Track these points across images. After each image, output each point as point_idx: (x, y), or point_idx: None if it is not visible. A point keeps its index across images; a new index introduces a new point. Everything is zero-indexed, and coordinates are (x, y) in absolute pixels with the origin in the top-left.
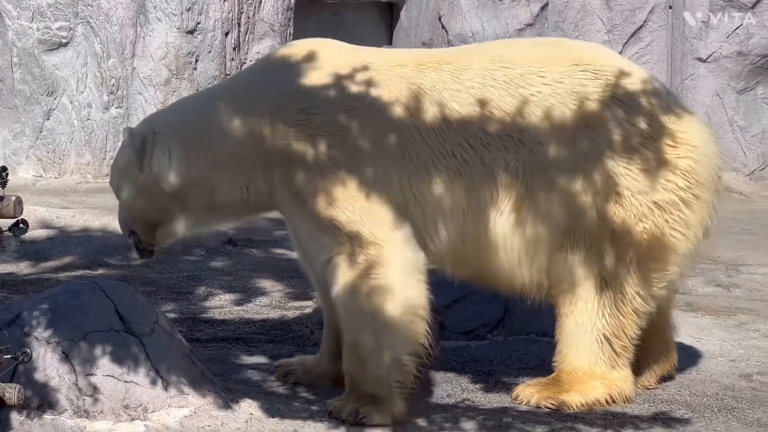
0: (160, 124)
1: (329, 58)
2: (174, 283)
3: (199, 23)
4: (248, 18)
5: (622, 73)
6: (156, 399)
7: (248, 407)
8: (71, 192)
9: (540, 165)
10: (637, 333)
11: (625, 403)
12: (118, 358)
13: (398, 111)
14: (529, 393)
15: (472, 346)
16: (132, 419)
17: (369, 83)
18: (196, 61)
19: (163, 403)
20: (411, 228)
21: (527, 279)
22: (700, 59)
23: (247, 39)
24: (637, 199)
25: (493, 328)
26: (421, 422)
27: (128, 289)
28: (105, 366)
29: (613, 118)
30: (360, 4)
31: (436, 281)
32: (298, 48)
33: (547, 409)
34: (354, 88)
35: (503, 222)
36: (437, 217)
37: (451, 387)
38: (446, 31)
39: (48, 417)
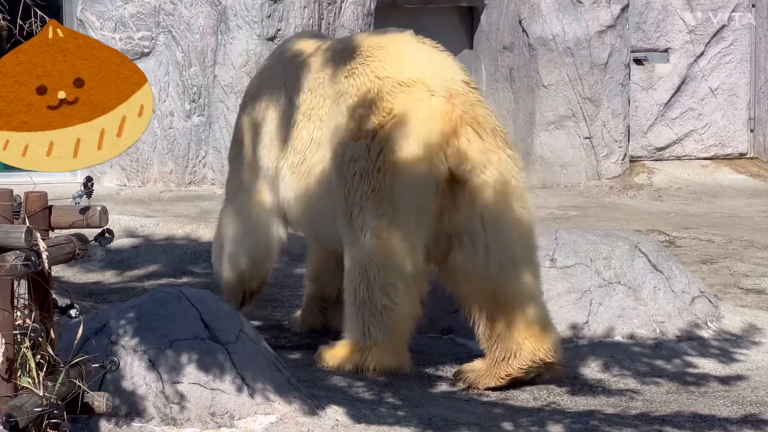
0: None
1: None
2: None
3: (279, 30)
4: (329, 24)
5: (374, 55)
6: (242, 406)
7: (334, 413)
8: (155, 201)
9: (321, 137)
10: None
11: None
12: (204, 366)
13: (276, 89)
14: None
15: None
16: (219, 426)
17: (281, 66)
18: None
19: (249, 410)
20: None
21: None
22: None
23: None
24: (349, 169)
25: (578, 330)
26: (508, 426)
27: (213, 297)
28: (191, 374)
29: (338, 91)
30: (440, 8)
31: None
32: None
33: (633, 412)
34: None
35: (297, 185)
36: (283, 185)
37: (537, 390)
38: (527, 34)
39: (136, 425)
